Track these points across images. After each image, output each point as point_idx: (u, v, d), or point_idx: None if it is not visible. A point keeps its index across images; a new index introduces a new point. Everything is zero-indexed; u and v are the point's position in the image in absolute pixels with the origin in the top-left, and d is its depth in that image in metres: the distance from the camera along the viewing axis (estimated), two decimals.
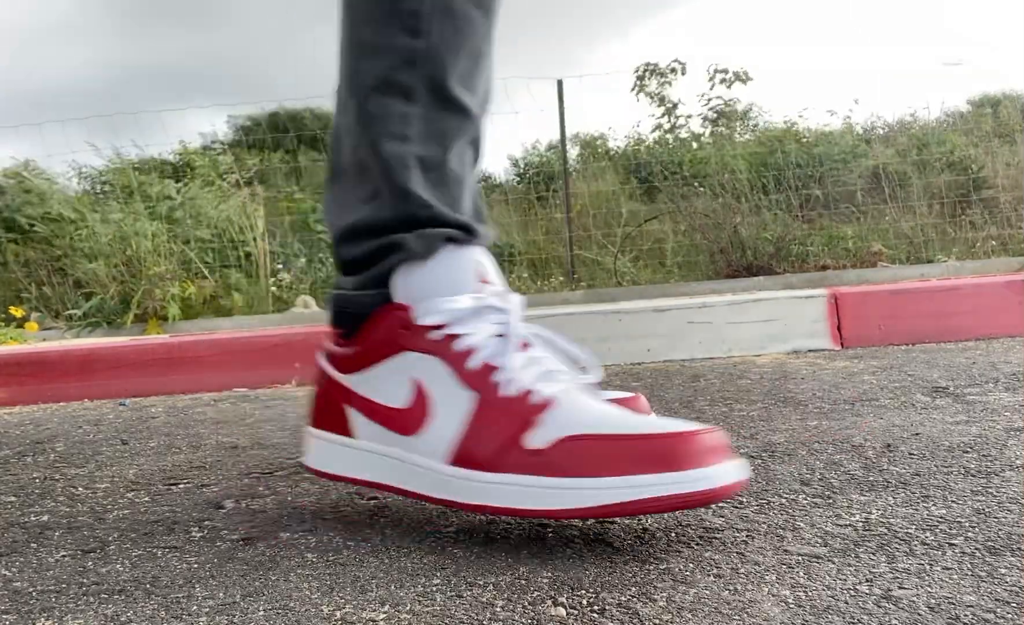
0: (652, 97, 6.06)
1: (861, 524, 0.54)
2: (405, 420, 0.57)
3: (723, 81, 5.79)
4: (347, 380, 0.60)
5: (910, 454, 0.72)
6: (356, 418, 0.60)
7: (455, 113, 0.62)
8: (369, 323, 0.60)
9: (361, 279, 0.62)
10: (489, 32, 0.64)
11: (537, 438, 0.52)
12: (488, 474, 0.52)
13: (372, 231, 0.61)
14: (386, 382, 0.58)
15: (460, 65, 0.61)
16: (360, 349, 0.60)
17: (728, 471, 0.50)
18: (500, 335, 0.57)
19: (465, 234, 0.61)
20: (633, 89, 6.15)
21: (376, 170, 0.61)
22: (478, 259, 0.60)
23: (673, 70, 6.02)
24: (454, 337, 0.56)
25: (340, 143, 0.65)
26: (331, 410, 0.62)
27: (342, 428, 0.60)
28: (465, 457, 0.54)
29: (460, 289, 0.58)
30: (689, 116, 6.11)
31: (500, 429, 0.53)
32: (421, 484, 0.56)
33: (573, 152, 6.17)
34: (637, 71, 6.05)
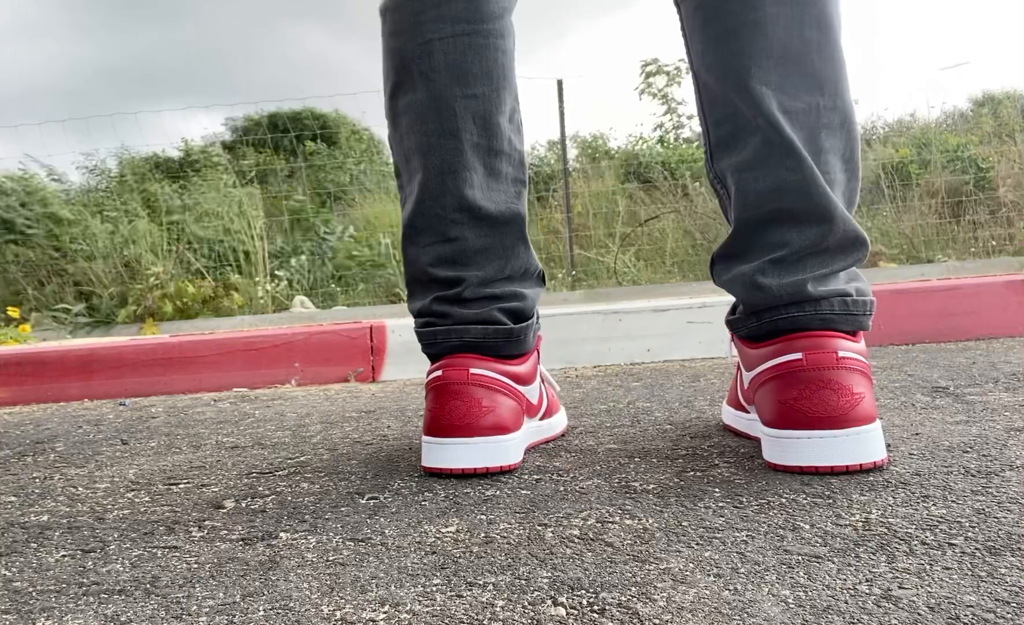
0: (655, 95, 6.07)
1: (861, 524, 0.54)
2: None
3: None
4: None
5: (910, 454, 0.72)
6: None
7: None
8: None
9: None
10: None
11: None
12: None
13: None
14: None
15: None
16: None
17: None
18: None
19: None
20: (638, 88, 6.16)
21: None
22: None
23: (678, 69, 6.04)
24: None
25: None
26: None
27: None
28: None
29: None
30: (691, 116, 6.12)
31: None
32: None
33: (573, 152, 6.17)
34: (644, 69, 6.05)
